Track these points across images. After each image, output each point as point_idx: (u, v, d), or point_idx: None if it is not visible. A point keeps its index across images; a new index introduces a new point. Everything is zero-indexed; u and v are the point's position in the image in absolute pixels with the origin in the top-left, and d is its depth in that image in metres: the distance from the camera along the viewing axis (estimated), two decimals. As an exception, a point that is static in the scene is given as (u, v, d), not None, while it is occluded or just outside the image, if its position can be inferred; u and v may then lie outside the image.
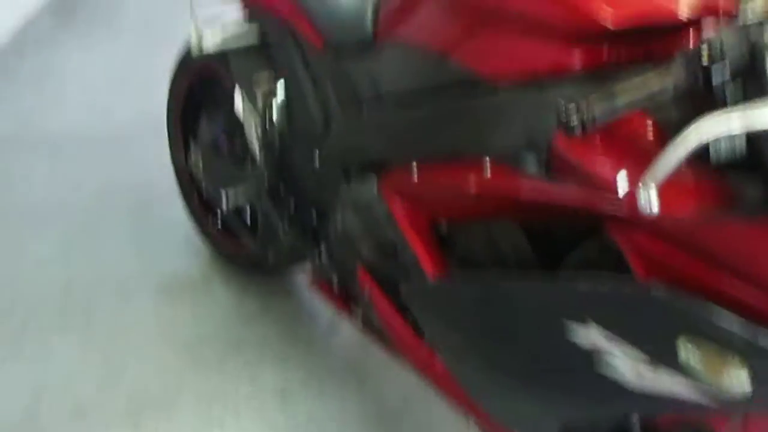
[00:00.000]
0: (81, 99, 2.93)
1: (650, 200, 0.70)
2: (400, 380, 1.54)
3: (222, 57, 1.60)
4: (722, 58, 0.73)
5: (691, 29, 0.87)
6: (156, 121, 2.26)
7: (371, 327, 1.35)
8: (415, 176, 1.09)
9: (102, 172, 2.44)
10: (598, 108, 0.73)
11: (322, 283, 1.46)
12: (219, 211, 1.87)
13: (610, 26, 0.83)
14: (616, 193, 0.79)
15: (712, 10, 0.86)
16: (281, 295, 1.88)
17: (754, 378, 0.72)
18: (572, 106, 0.72)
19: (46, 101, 2.95)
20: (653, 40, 0.88)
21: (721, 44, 0.74)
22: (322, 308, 1.72)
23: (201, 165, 1.77)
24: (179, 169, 1.97)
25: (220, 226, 1.93)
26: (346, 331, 1.67)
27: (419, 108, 1.10)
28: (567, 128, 0.73)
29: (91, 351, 1.75)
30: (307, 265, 1.56)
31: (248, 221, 1.78)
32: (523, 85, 0.93)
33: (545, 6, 0.89)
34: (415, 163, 1.10)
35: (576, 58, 0.88)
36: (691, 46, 0.86)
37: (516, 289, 0.94)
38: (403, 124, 1.14)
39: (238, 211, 1.75)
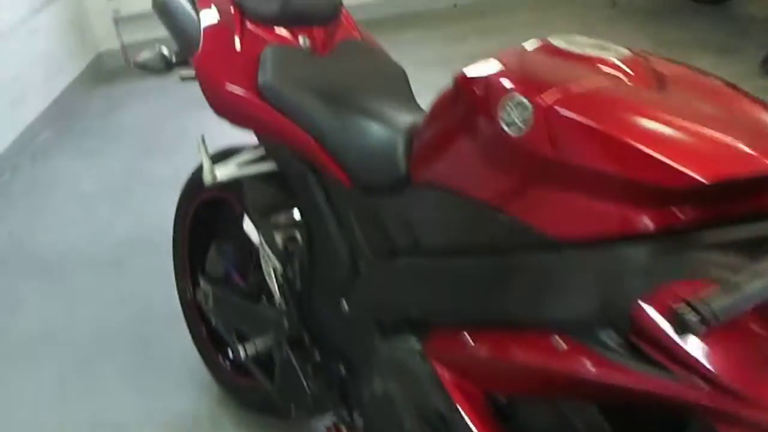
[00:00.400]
0: (75, 215, 2.83)
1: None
2: None
3: (235, 186, 1.50)
4: None
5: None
6: (154, 239, 2.15)
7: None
8: (466, 341, 0.97)
9: (98, 296, 2.31)
10: (719, 303, 0.62)
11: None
12: (230, 347, 1.73)
13: (704, 182, 0.74)
14: (733, 392, 0.67)
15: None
16: (298, 441, 1.73)
17: None
18: (685, 305, 0.62)
19: (40, 218, 2.86)
20: (733, 195, 0.79)
21: None
22: (344, 457, 1.56)
23: (211, 300, 1.65)
24: (185, 301, 1.85)
25: (231, 363, 1.79)
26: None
27: (465, 262, 0.99)
28: (685, 328, 0.62)
29: None
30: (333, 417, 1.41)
31: (263, 359, 1.64)
32: (591, 245, 0.82)
33: (618, 160, 0.79)
34: (463, 326, 0.98)
35: (658, 219, 0.78)
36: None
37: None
38: (446, 279, 1.03)
39: (252, 350, 1.61)
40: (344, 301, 1.24)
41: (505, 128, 0.88)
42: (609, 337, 0.79)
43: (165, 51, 1.54)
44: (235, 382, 1.79)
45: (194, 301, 1.79)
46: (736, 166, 0.75)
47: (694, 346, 0.70)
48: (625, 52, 0.94)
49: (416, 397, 1.05)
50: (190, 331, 1.88)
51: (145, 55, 1.55)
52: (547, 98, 0.85)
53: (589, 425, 0.88)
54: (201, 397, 1.87)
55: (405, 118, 1.21)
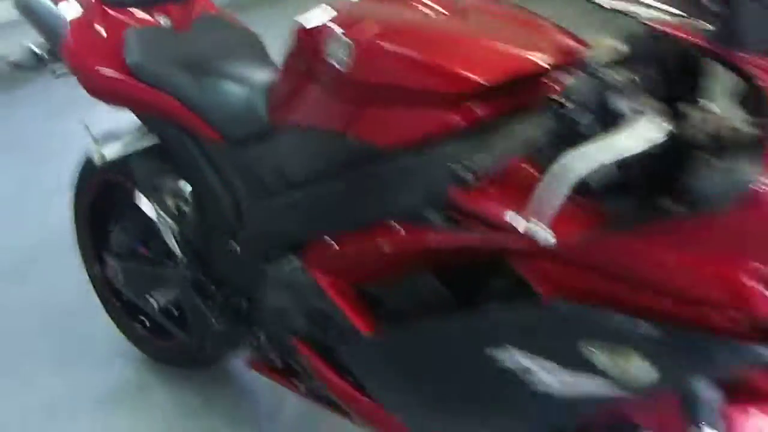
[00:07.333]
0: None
1: (542, 233, 0.81)
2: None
3: (123, 164, 1.64)
4: (580, 102, 0.87)
5: (552, 76, 1.01)
6: (60, 236, 2.22)
7: (316, 394, 1.40)
8: (333, 248, 1.18)
9: (8, 302, 2.35)
10: (482, 160, 0.85)
11: (262, 362, 1.51)
12: (144, 314, 1.87)
13: (483, 84, 0.96)
14: (513, 230, 0.89)
15: (568, 58, 1.00)
16: (222, 383, 1.89)
17: (655, 365, 0.84)
18: (461, 164, 0.85)
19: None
20: (521, 90, 1.01)
21: (577, 90, 0.88)
22: (264, 386, 1.76)
23: (120, 275, 1.78)
24: (96, 281, 1.96)
25: (148, 328, 1.93)
26: (292, 406, 1.72)
27: (325, 185, 1.19)
28: (461, 182, 0.85)
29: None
30: (245, 348, 1.59)
31: (176, 316, 1.79)
32: (416, 149, 1.04)
33: (422, 76, 1.02)
34: (330, 236, 1.19)
35: (458, 118, 1.01)
36: (555, 90, 1.00)
37: (440, 331, 1.05)
38: (312, 203, 1.23)
39: (165, 310, 1.77)
40: (233, 242, 1.43)
41: (335, 65, 1.09)
42: (433, 216, 1.01)
43: (35, 48, 1.66)
44: (155, 344, 1.94)
45: (105, 279, 1.91)
46: (507, 69, 0.98)
47: (480, 204, 0.94)
48: None
49: (302, 302, 1.26)
50: (107, 310, 2.00)
51: (16, 55, 1.66)
52: (363, 34, 1.06)
53: (433, 293, 1.11)
54: (127, 368, 2.00)
55: (263, 77, 1.40)
